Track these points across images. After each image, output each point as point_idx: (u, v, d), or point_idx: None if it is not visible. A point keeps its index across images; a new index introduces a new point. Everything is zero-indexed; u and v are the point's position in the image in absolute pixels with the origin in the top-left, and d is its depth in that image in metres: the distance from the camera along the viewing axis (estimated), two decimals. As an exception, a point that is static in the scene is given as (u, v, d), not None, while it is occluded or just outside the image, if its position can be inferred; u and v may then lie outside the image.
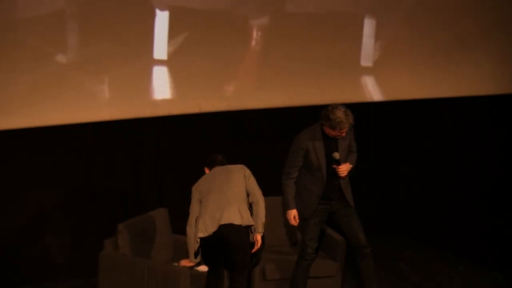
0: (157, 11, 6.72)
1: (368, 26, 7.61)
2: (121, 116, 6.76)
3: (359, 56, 7.67)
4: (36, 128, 6.45)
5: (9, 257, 6.58)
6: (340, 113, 5.84)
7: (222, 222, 5.41)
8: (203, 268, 6.07)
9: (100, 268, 5.89)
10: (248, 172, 5.75)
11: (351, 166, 6.04)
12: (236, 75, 7.26)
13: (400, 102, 7.77)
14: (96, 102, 6.66)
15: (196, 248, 5.72)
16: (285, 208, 6.24)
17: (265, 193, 6.09)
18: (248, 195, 5.74)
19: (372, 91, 7.63)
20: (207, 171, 6.02)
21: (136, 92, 6.85)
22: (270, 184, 6.33)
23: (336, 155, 5.90)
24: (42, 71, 6.36)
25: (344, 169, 5.93)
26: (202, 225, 5.46)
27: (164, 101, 6.99)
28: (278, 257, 6.38)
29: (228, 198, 5.56)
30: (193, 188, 5.72)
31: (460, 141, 7.91)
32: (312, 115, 6.85)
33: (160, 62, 6.86)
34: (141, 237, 6.07)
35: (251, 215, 5.63)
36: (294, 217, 6.15)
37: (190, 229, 5.61)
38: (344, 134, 5.90)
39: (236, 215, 5.48)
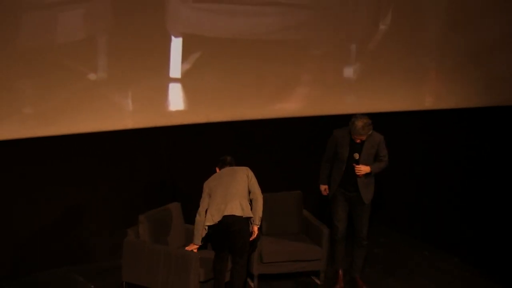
0: (173, 38, 7.01)
1: (352, 52, 7.89)
2: (142, 125, 6.99)
3: (343, 76, 7.92)
4: (71, 135, 6.69)
5: (51, 242, 6.91)
6: (359, 123, 6.23)
7: (226, 213, 5.84)
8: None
9: (124, 253, 6.14)
10: (251, 173, 6.12)
11: (371, 170, 6.31)
12: (238, 90, 7.50)
13: (378, 114, 7.62)
14: (121, 113, 6.92)
15: (203, 235, 6.09)
16: (319, 182, 6.78)
17: (267, 190, 6.53)
18: (249, 192, 6.11)
19: (353, 103, 7.89)
20: (218, 170, 6.36)
21: (154, 104, 7.13)
22: (269, 182, 6.73)
23: (356, 155, 6.29)
24: (76, 87, 6.61)
25: (361, 169, 6.28)
26: (209, 215, 5.90)
27: (177, 112, 7.25)
28: (273, 244, 6.62)
29: (232, 193, 5.95)
30: (204, 184, 6.12)
31: (428, 147, 8.27)
32: (303, 125, 7.39)
33: (175, 80, 7.08)
34: (158, 226, 6.32)
35: (251, 209, 6.02)
36: (325, 189, 6.73)
37: (199, 217, 6.02)
38: (358, 141, 6.27)
39: (238, 208, 5.90)
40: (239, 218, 5.83)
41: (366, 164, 6.32)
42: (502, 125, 8.63)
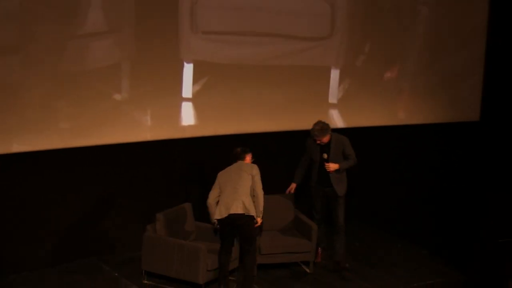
0: (185, 64, 7.25)
1: (335, 74, 8.04)
2: (158, 137, 7.19)
3: (328, 96, 8.09)
4: (100, 146, 6.88)
5: (82, 236, 7.07)
6: (316, 127, 6.76)
7: (231, 212, 6.16)
8: None
9: (143, 245, 6.34)
10: (255, 171, 6.44)
11: (339, 166, 6.73)
12: (241, 108, 7.69)
13: (357, 128, 8.11)
14: (141, 128, 7.13)
15: (215, 226, 6.40)
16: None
17: (266, 192, 6.73)
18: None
19: (337, 119, 8.03)
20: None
21: (169, 120, 7.32)
22: (268, 185, 6.84)
23: (325, 155, 6.73)
24: (104, 105, 6.85)
25: (329, 166, 6.71)
26: (218, 210, 6.23)
27: (189, 126, 7.48)
28: (270, 238, 6.88)
29: (238, 192, 6.28)
30: (218, 175, 6.49)
31: (403, 156, 8.42)
32: (295, 137, 7.53)
33: (187, 99, 7.31)
34: (173, 223, 6.50)
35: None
36: (291, 188, 7.12)
37: (209, 200, 6.33)
38: (318, 142, 6.71)
39: (241, 207, 6.23)
40: (242, 215, 6.16)
41: (335, 162, 6.75)
42: (464, 137, 8.76)
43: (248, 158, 6.67)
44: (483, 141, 8.75)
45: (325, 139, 6.73)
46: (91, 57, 6.75)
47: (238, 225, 6.18)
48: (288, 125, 7.86)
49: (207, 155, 7.50)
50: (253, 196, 6.44)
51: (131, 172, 7.18)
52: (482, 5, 8.68)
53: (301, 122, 7.61)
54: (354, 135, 7.54)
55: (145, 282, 6.31)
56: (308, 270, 6.78)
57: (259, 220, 6.36)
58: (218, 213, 6.24)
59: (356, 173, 7.59)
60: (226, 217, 6.15)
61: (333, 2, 7.78)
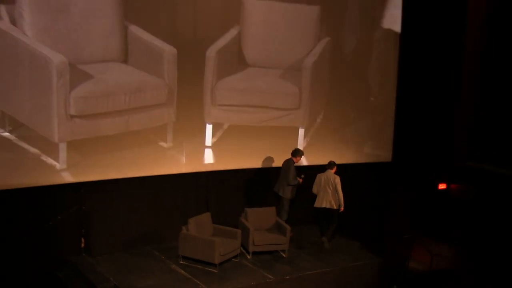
0: (207, 124, 7.53)
1: (301, 131, 8.24)
2: (190, 171, 7.56)
3: (296, 144, 8.11)
4: (153, 176, 7.20)
5: (143, 231, 7.26)
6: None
7: (322, 205, 7.47)
8: None
9: (180, 238, 6.82)
10: (336, 180, 7.40)
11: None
12: (244, 151, 7.84)
13: (315, 165, 8.10)
14: (179, 164, 7.47)
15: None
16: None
17: (258, 205, 7.59)
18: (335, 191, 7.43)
19: (302, 159, 7.98)
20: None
21: (197, 159, 7.63)
22: (260, 202, 7.72)
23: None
24: (156, 150, 7.22)
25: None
26: (317, 201, 7.47)
27: (210, 164, 7.76)
28: (260, 235, 7.22)
29: (325, 193, 7.46)
30: (317, 176, 7.54)
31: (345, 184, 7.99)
32: (277, 171, 7.85)
33: (208, 146, 7.67)
34: (198, 225, 6.96)
35: (335, 200, 7.43)
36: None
37: (313, 188, 7.48)
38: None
39: (328, 202, 7.43)
40: (329, 208, 7.46)
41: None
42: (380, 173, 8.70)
43: (334, 169, 7.58)
44: (395, 176, 8.69)
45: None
46: (150, 119, 7.09)
47: (325, 209, 7.47)
48: (271, 163, 8.14)
49: (220, 182, 7.85)
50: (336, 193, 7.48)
51: (173, 193, 7.51)
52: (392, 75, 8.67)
53: (280, 161, 7.92)
54: (315, 169, 7.92)
55: (181, 262, 6.77)
56: (284, 255, 7.23)
57: (341, 208, 7.49)
58: (316, 203, 7.46)
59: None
60: (319, 207, 7.48)
61: (300, 86, 8.00)
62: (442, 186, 8.49)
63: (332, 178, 7.48)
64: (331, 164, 7.58)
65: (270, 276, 6.65)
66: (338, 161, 7.82)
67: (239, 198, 7.92)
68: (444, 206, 8.47)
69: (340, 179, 7.56)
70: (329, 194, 7.47)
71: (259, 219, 7.42)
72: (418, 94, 8.58)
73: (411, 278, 7.53)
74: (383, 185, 8.58)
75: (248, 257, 7.10)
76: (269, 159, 8.07)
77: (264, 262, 7.02)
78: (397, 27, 8.57)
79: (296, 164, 7.65)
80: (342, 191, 7.48)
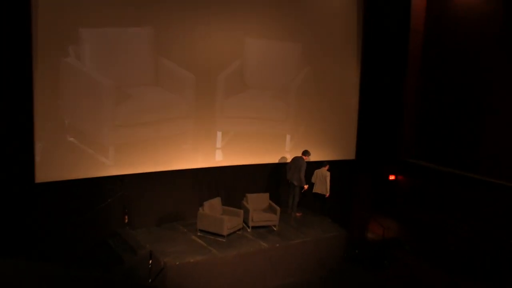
0: (218, 132, 7.65)
1: (288, 138, 8.38)
2: (205, 166, 7.65)
3: (284, 146, 8.39)
4: (167, 171, 7.20)
5: (169, 210, 7.32)
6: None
7: (318, 192, 7.71)
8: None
9: (198, 216, 7.03)
10: (327, 175, 7.56)
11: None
12: (247, 151, 7.92)
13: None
14: (197, 161, 7.59)
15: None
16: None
17: (257, 191, 7.57)
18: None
19: (288, 157, 8.19)
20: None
21: (210, 157, 7.70)
22: (259, 189, 7.84)
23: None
24: (179, 151, 7.33)
25: None
26: (314, 189, 7.60)
27: (220, 160, 7.77)
28: (258, 214, 7.42)
29: (321, 183, 7.68)
30: (315, 171, 7.74)
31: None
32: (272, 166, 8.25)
33: (218, 148, 7.73)
34: (211, 207, 7.20)
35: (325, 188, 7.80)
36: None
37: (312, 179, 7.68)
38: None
39: (321, 190, 7.63)
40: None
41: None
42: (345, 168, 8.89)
43: (326, 167, 7.81)
44: (358, 169, 8.96)
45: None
46: (175, 127, 7.26)
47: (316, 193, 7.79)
48: (265, 161, 8.23)
49: (227, 175, 7.98)
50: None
51: (192, 183, 7.66)
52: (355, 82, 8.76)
53: (274, 159, 8.26)
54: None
55: (198, 234, 7.00)
56: (275, 229, 7.48)
57: (327, 194, 7.82)
58: (315, 189, 7.56)
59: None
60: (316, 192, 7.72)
61: (288, 102, 8.20)
62: (391, 177, 8.79)
63: (325, 173, 7.92)
64: (324, 163, 8.03)
65: (265, 244, 6.86)
66: (315, 159, 8.11)
67: (241, 186, 7.99)
68: (392, 192, 8.77)
69: (330, 175, 8.03)
70: (322, 184, 7.92)
71: (257, 202, 7.65)
72: (374, 111, 8.88)
73: (369, 245, 7.94)
74: (349, 176, 8.85)
75: (248, 230, 7.30)
76: (264, 158, 8.18)
77: (260, 234, 7.19)
78: (357, 60, 8.83)
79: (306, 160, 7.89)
80: (330, 183, 7.98)
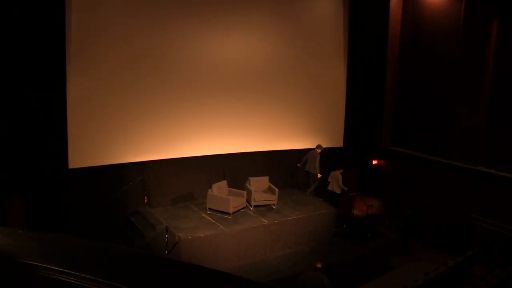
0: (222, 124, 7.99)
1: (284, 130, 8.67)
2: (215, 152, 7.96)
3: (281, 136, 8.64)
4: (181, 157, 7.54)
5: (185, 192, 7.67)
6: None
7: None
8: None
9: (207, 197, 7.39)
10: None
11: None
12: (248, 141, 8.29)
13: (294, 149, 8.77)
14: (210, 148, 7.89)
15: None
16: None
17: (258, 175, 7.87)
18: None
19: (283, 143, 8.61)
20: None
21: (217, 146, 8.03)
22: (262, 173, 8.12)
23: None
24: (202, 136, 7.69)
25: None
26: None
27: (226, 148, 8.11)
28: (259, 194, 7.80)
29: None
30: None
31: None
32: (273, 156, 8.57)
33: (224, 139, 7.98)
34: (219, 188, 7.56)
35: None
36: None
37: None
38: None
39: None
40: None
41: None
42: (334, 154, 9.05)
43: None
44: (345, 155, 9.27)
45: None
46: (191, 119, 7.60)
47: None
48: (267, 147, 8.36)
49: (232, 160, 8.29)
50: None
51: (202, 167, 7.97)
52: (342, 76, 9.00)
53: (273, 146, 8.34)
54: (298, 152, 8.50)
55: (208, 212, 7.36)
56: (274, 207, 7.86)
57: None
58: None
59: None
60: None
61: (282, 97, 8.38)
62: (374, 162, 9.27)
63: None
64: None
65: (265, 220, 7.23)
66: (307, 147, 8.46)
67: (245, 171, 8.28)
68: (375, 175, 9.28)
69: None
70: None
71: (258, 184, 8.01)
72: (359, 105, 9.22)
73: (355, 221, 8.37)
74: (337, 161, 9.07)
75: (251, 208, 7.67)
76: (264, 145, 8.46)
77: (261, 211, 7.56)
78: (344, 59, 9.12)
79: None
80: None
